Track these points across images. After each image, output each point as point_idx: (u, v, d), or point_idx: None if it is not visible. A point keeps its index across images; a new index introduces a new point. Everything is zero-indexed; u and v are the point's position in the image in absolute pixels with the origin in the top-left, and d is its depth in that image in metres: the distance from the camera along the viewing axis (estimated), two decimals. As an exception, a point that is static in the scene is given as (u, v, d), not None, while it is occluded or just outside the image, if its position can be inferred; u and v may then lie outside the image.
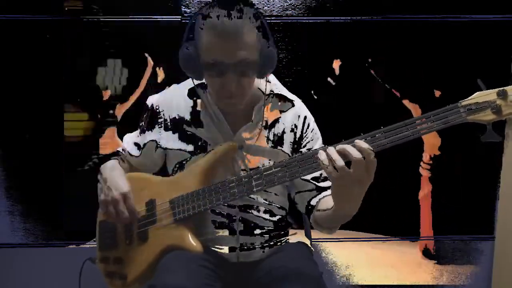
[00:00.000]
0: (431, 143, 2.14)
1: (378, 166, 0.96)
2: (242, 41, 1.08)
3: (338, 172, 0.96)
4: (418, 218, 2.21)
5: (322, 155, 0.99)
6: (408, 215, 2.21)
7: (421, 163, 2.17)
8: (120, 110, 2.11)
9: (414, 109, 2.12)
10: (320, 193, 1.25)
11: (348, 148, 0.96)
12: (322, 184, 1.25)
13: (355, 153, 0.95)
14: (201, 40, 1.11)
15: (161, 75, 2.03)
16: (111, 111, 2.10)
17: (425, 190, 2.19)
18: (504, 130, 2.07)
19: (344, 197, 1.02)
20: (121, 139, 1.40)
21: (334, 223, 1.16)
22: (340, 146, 0.98)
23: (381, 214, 2.15)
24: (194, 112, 1.27)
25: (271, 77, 1.33)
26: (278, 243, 1.31)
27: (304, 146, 1.29)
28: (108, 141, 2.09)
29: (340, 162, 0.96)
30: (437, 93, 2.12)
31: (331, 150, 0.98)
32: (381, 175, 1.02)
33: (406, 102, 2.12)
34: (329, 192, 1.21)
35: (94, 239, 1.36)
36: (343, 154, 0.97)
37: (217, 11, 1.08)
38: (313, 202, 1.25)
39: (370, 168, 0.96)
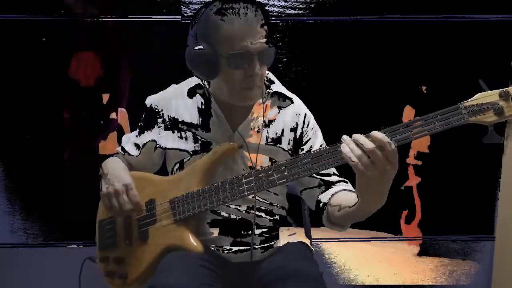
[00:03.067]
0: (419, 141, 2.13)
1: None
2: (262, 30, 1.12)
3: (364, 166, 0.92)
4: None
5: (345, 148, 0.94)
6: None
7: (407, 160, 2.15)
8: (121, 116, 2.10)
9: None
10: (328, 188, 1.22)
11: (368, 145, 0.92)
12: (329, 179, 1.23)
13: (376, 151, 0.91)
14: (222, 33, 1.11)
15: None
16: (112, 115, 2.09)
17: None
18: (504, 130, 2.07)
19: (371, 190, 0.97)
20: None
21: (350, 220, 1.12)
22: (358, 140, 0.94)
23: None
24: (194, 112, 1.27)
25: (270, 75, 1.34)
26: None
27: (305, 144, 1.29)
28: (109, 145, 2.09)
29: (369, 145, 0.92)
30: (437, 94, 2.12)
31: (357, 136, 0.94)
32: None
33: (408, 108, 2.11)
34: (338, 187, 1.20)
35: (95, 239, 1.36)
36: (364, 150, 0.93)
37: (232, 5, 1.11)
38: (323, 199, 1.21)
39: (391, 158, 0.92)
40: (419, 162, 2.16)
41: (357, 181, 0.98)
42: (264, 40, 1.12)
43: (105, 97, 2.08)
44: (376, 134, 0.93)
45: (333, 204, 1.17)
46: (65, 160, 2.10)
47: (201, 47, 1.14)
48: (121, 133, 2.09)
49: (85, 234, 2.10)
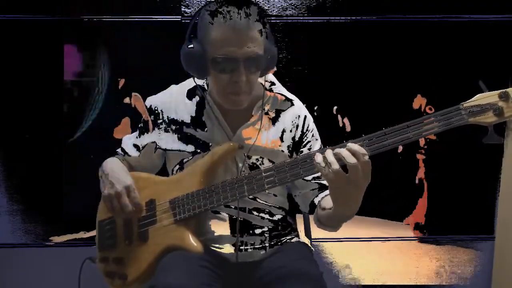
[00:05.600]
0: None
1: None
2: (252, 36, 1.10)
3: (334, 175, 0.96)
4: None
5: (318, 158, 0.98)
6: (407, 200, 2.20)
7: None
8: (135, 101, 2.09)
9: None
10: (322, 191, 1.25)
11: (343, 152, 0.95)
12: (324, 182, 1.25)
13: (350, 159, 0.94)
14: (211, 35, 1.11)
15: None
16: (126, 100, 2.08)
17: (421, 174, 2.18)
18: (504, 131, 2.07)
19: (342, 199, 1.01)
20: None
21: (336, 222, 1.15)
22: (335, 150, 0.97)
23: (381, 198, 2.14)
24: (193, 113, 1.27)
25: (271, 77, 1.33)
26: (279, 243, 1.31)
27: (304, 146, 1.30)
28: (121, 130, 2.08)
29: (335, 165, 0.95)
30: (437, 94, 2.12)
31: (328, 153, 0.97)
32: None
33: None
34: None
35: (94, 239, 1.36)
36: (338, 158, 0.96)
37: (226, 8, 1.09)
38: (315, 201, 1.25)
39: (365, 170, 0.95)
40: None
41: (329, 190, 1.02)
42: (254, 46, 1.10)
43: (121, 82, 2.08)
44: (352, 146, 0.95)
45: (321, 206, 1.20)
46: (65, 159, 2.10)
47: (192, 46, 1.14)
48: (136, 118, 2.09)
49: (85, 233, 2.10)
